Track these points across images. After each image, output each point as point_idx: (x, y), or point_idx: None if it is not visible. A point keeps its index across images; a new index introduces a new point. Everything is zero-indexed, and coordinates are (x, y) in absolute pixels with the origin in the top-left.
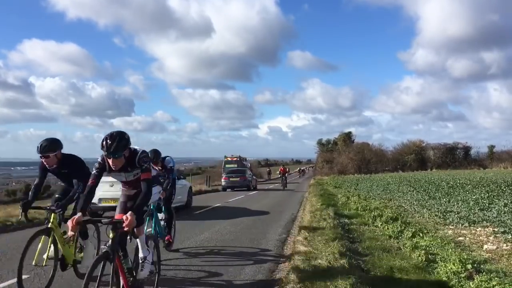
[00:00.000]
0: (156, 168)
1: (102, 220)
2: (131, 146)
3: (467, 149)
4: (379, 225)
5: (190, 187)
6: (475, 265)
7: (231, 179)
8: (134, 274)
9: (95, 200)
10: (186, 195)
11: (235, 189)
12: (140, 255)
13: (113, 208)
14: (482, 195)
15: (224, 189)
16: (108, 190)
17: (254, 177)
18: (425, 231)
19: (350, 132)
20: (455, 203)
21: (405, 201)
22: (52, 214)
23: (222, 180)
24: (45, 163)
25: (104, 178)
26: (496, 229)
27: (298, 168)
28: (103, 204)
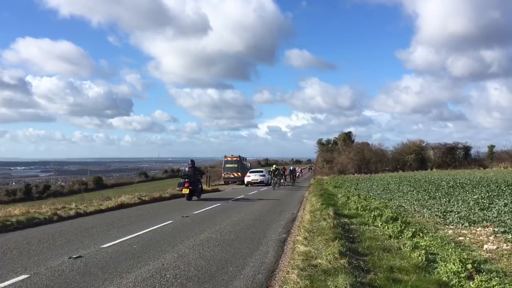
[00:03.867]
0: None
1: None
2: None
3: (467, 149)
4: (379, 225)
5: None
6: (475, 265)
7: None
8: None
9: (249, 179)
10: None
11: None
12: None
13: (257, 183)
14: (482, 195)
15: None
16: (254, 178)
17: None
18: (425, 231)
19: (350, 132)
20: (455, 203)
21: (405, 201)
22: None
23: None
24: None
25: (252, 173)
26: (496, 229)
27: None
28: (252, 181)
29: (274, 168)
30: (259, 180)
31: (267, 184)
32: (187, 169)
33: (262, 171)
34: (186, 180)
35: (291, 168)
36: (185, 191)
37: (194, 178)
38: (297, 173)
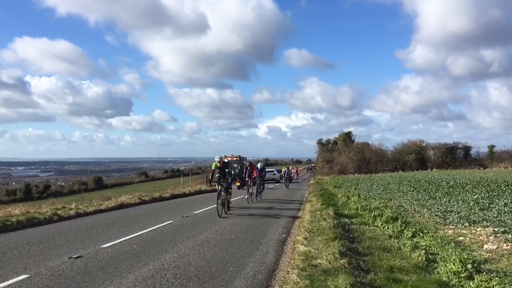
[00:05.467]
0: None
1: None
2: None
3: (467, 149)
4: (379, 225)
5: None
6: (475, 265)
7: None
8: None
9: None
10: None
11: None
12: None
13: (268, 181)
14: (482, 195)
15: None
16: (267, 176)
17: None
18: (425, 231)
19: (350, 132)
20: (455, 203)
21: (405, 201)
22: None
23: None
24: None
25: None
26: (496, 229)
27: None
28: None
29: (218, 160)
30: (270, 178)
31: (277, 182)
32: (237, 170)
33: (273, 170)
34: (237, 177)
35: (258, 165)
36: (237, 184)
37: (242, 176)
38: (293, 174)
